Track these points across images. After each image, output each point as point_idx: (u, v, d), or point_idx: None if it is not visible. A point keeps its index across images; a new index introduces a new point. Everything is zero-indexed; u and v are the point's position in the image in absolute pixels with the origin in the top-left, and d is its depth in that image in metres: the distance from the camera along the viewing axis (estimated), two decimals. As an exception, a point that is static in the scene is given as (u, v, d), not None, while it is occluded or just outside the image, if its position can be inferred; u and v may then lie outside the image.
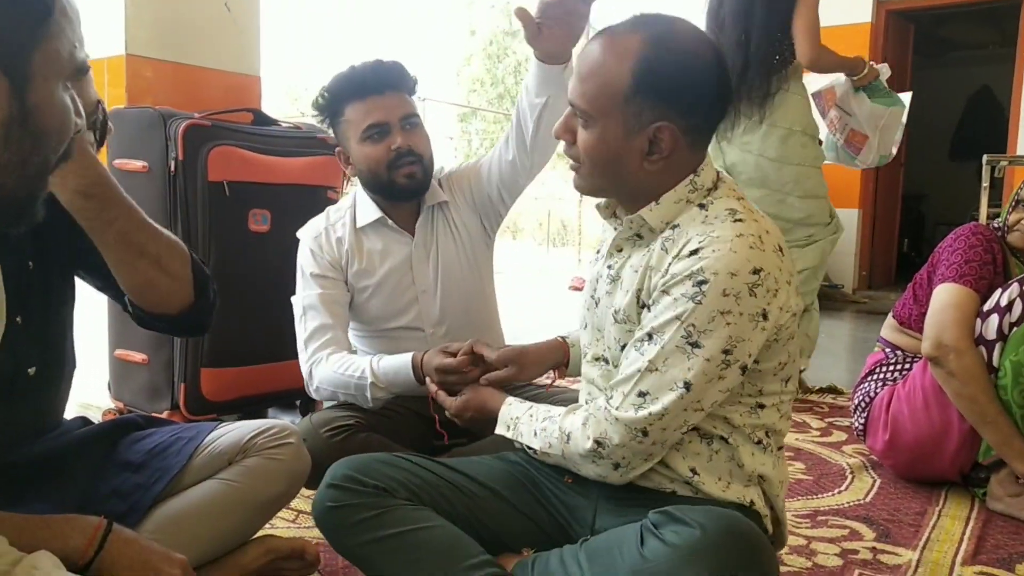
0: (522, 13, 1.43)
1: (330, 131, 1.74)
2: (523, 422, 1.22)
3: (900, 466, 1.95)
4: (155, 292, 1.16)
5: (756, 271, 1.02)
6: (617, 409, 1.07)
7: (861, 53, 5.42)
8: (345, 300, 1.69)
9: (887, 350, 2.07)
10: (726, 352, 1.03)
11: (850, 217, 5.62)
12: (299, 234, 1.74)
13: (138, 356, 2.16)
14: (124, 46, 2.33)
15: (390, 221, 1.69)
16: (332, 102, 1.64)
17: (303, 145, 2.31)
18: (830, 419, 2.53)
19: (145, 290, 1.16)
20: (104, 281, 1.20)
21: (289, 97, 24.81)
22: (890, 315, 2.11)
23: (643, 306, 1.11)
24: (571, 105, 1.11)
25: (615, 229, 1.18)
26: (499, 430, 1.26)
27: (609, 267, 1.19)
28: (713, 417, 1.10)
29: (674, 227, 1.09)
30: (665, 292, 1.05)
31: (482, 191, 1.73)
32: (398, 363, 1.53)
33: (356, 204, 1.72)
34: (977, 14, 5.57)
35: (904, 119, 2.81)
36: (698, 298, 1.02)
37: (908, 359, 2.00)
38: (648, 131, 1.06)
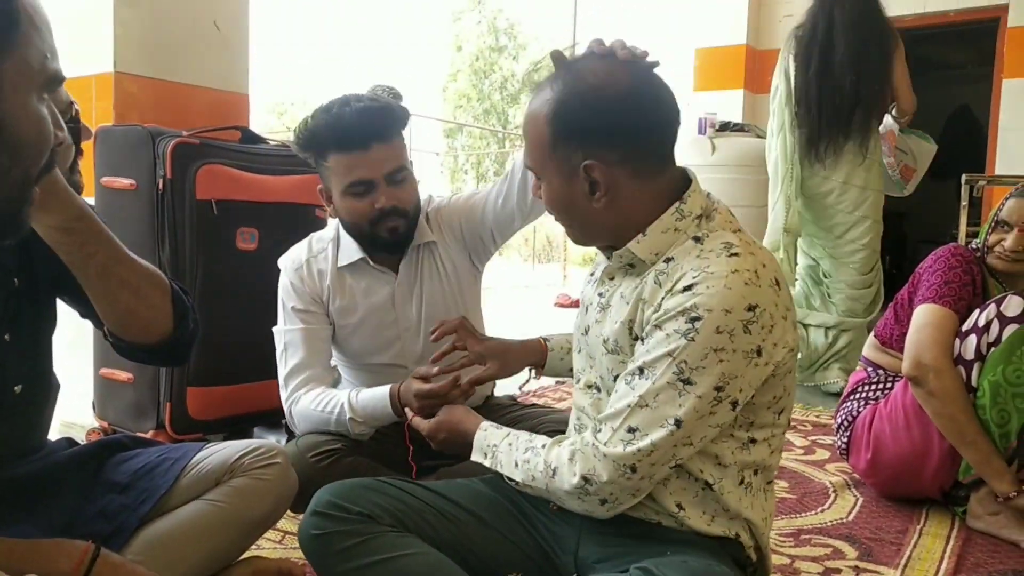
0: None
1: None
2: (502, 451, 1.19)
3: (882, 484, 1.97)
4: (135, 322, 1.16)
5: (751, 308, 1.01)
6: (605, 445, 1.05)
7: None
8: (327, 334, 1.67)
9: (869, 369, 2.10)
10: (718, 389, 1.02)
11: (833, 235, 5.68)
12: (280, 264, 1.71)
13: (123, 375, 2.15)
14: (112, 63, 2.33)
15: (371, 262, 1.66)
16: (315, 144, 1.56)
17: (290, 163, 2.32)
18: (813, 437, 2.56)
19: (125, 320, 1.16)
20: (86, 308, 1.19)
21: (275, 112, 24.83)
22: (871, 335, 2.13)
23: (636, 338, 1.10)
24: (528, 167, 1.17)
25: (607, 258, 1.19)
26: (475, 457, 1.23)
27: (600, 295, 1.20)
28: (703, 456, 1.09)
29: (668, 260, 1.09)
30: (658, 327, 1.04)
31: (474, 231, 1.70)
32: (376, 396, 1.52)
33: (339, 240, 1.68)
34: (955, 34, 5.66)
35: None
36: (691, 335, 1.01)
37: (890, 378, 2.03)
38: (579, 172, 1.08)
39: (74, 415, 2.32)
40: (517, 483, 1.16)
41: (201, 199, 2.07)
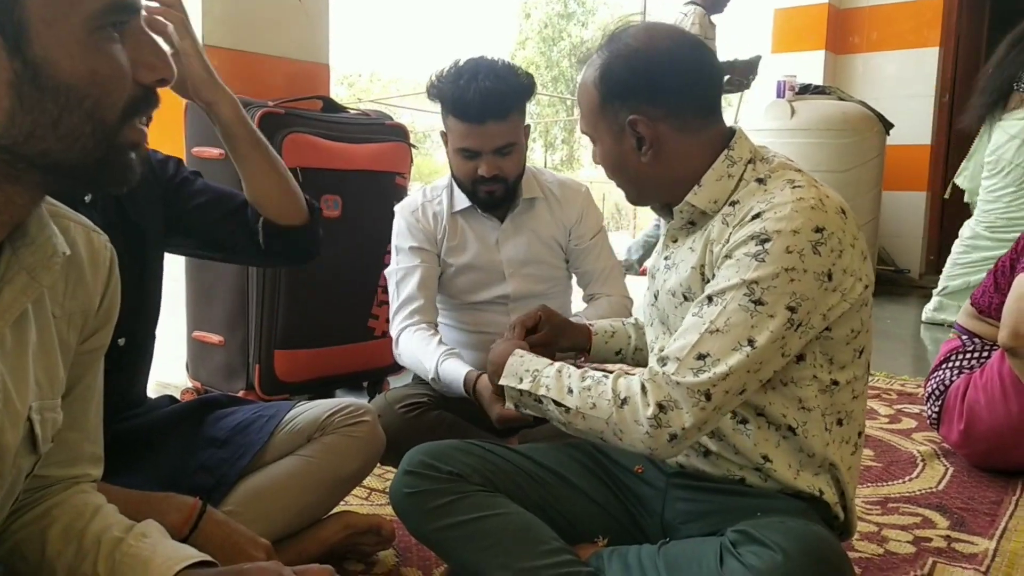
0: None
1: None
2: (548, 376, 1.13)
3: (975, 455, 1.91)
4: (288, 201, 1.36)
5: (818, 229, 1.02)
6: (675, 374, 1.02)
7: (933, 27, 5.32)
8: (436, 274, 1.77)
9: (964, 338, 2.03)
10: (791, 310, 1.01)
11: (917, 200, 5.48)
12: (396, 209, 1.83)
13: (215, 337, 2.24)
14: (201, 37, 2.39)
15: (480, 210, 1.78)
16: (439, 102, 1.68)
17: (371, 132, 2.36)
18: (899, 406, 2.49)
19: (278, 197, 1.35)
20: (200, 242, 1.38)
21: (344, 83, 25.14)
22: (967, 302, 2.06)
23: (707, 281, 1.11)
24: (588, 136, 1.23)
25: (667, 221, 1.21)
26: (505, 380, 1.17)
27: (666, 258, 1.22)
28: (786, 399, 1.10)
29: (733, 204, 1.11)
30: (728, 256, 1.06)
31: (570, 231, 1.84)
32: (455, 374, 1.56)
33: (452, 187, 1.80)
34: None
35: None
36: (761, 256, 1.02)
37: (986, 347, 1.95)
38: (626, 128, 1.13)
39: (169, 376, 2.42)
40: (568, 409, 1.09)
41: (288, 167, 2.12)
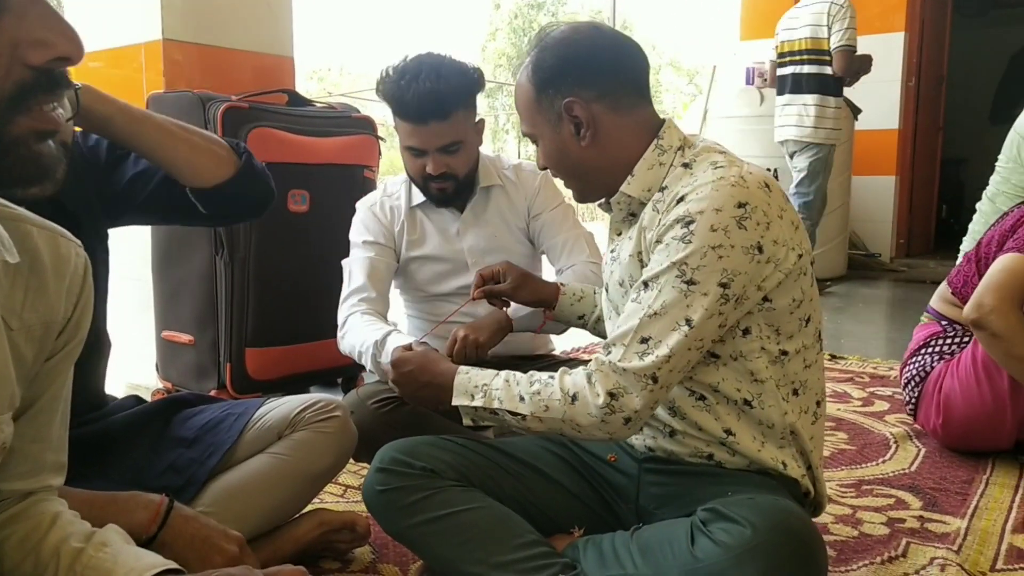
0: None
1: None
2: (497, 387, 1.13)
3: (951, 441, 1.91)
4: (196, 162, 1.28)
5: (741, 204, 1.04)
6: (621, 361, 1.06)
7: (897, 13, 5.35)
8: (391, 269, 1.76)
9: (943, 323, 2.01)
10: (723, 286, 1.04)
11: (887, 184, 5.54)
12: (357, 204, 1.82)
13: (184, 337, 2.20)
14: (160, 31, 2.35)
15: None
16: (383, 99, 1.66)
17: (338, 125, 2.33)
18: (871, 389, 2.51)
19: (185, 163, 1.27)
20: (149, 206, 1.32)
21: (314, 77, 24.89)
22: (943, 285, 2.05)
23: (644, 267, 1.13)
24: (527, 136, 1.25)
25: (610, 214, 1.25)
26: (457, 400, 1.16)
27: (611, 251, 1.25)
28: (738, 374, 1.11)
29: (662, 189, 1.14)
30: (658, 242, 1.09)
31: (528, 212, 1.82)
32: (401, 343, 1.48)
33: (411, 182, 1.78)
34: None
35: None
36: (687, 238, 1.05)
37: (967, 333, 1.92)
38: (563, 115, 1.16)
39: (139, 377, 2.38)
40: (524, 417, 1.11)
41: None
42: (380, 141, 2.41)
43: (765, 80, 5.07)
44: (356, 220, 1.79)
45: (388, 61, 1.67)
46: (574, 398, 1.07)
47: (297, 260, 2.19)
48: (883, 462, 1.88)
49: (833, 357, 2.91)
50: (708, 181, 1.07)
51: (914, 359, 2.01)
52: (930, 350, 1.98)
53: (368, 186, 2.34)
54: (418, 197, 1.76)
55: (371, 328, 1.58)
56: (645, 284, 1.08)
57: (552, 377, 1.12)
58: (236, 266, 2.09)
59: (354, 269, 1.73)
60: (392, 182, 1.83)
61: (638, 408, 1.04)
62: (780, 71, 4.28)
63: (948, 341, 1.97)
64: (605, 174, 1.18)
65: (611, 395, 1.05)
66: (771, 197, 1.08)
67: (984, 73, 6.93)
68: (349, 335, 1.63)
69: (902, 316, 3.89)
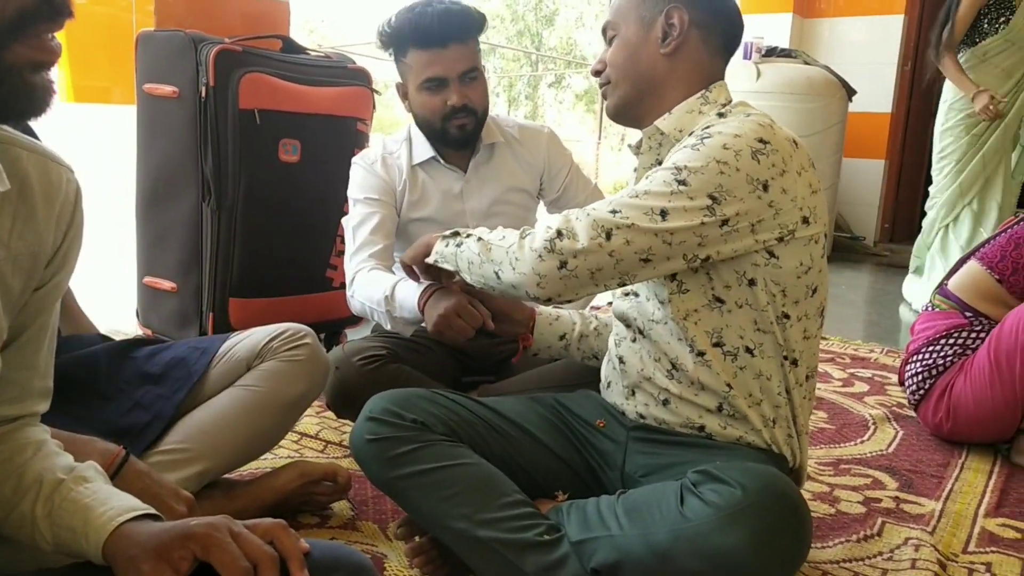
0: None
1: (392, 60, 1.73)
2: (476, 230, 1.22)
3: (953, 437, 1.89)
4: None
5: (763, 140, 1.05)
6: (588, 209, 1.08)
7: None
8: (394, 224, 1.73)
9: (968, 314, 1.89)
10: (712, 199, 1.04)
11: (875, 168, 5.54)
12: (354, 161, 1.77)
13: (167, 284, 2.17)
14: (153, -31, 2.28)
15: (442, 160, 1.73)
16: (396, 41, 1.64)
17: (333, 75, 2.27)
18: (852, 370, 2.53)
19: None
20: None
21: (305, 29, 24.44)
22: (979, 268, 1.90)
23: None
24: (603, 33, 1.25)
25: (637, 151, 1.25)
26: (433, 255, 1.24)
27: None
28: (743, 321, 1.12)
29: (691, 133, 1.14)
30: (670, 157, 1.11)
31: (541, 177, 1.83)
32: (411, 291, 1.47)
33: (411, 140, 1.75)
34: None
35: None
36: (697, 147, 1.05)
37: (989, 329, 1.84)
38: (660, 17, 1.18)
39: (119, 323, 2.35)
40: (481, 240, 1.17)
41: (244, 108, 2.04)
42: (375, 94, 2.36)
43: (763, 55, 5.04)
44: (355, 177, 1.74)
45: (380, 16, 1.66)
46: (529, 234, 1.10)
47: (286, 211, 2.15)
48: (861, 442, 1.90)
49: (815, 337, 2.93)
50: (736, 122, 1.09)
51: (929, 349, 1.91)
52: (951, 342, 1.88)
53: (361, 139, 2.30)
54: (420, 155, 1.73)
55: (379, 284, 1.55)
56: (647, 178, 1.09)
57: None
58: (223, 214, 2.05)
59: (356, 226, 1.69)
60: (391, 140, 1.79)
61: (577, 250, 1.04)
62: None
63: (973, 336, 1.86)
64: (659, 95, 1.20)
65: (559, 232, 1.06)
66: (796, 152, 1.09)
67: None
68: (358, 293, 1.60)
69: (883, 300, 3.93)
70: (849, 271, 4.75)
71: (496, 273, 1.13)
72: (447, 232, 1.25)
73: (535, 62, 24.06)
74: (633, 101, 1.23)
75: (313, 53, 2.36)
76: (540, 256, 1.06)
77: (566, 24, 22.94)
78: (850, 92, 5.02)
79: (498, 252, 1.13)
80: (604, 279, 1.07)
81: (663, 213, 1.03)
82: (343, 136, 2.24)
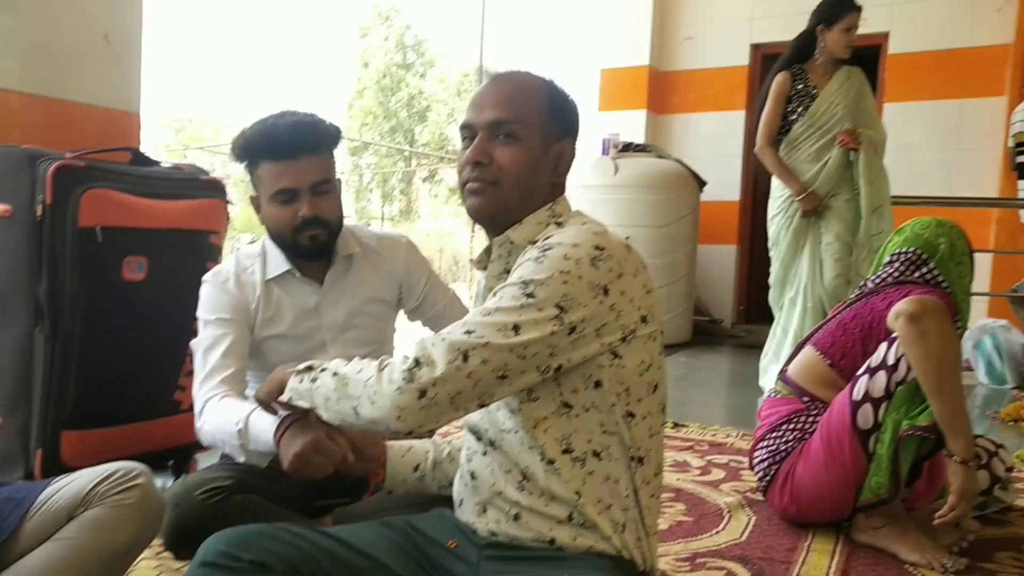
0: None
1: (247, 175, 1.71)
2: (331, 363, 1.19)
3: (799, 519, 1.98)
4: None
5: (599, 247, 1.11)
6: (440, 334, 1.09)
7: (739, 93, 5.78)
8: (247, 345, 1.67)
9: (805, 399, 2.00)
10: (560, 308, 1.07)
11: (728, 253, 5.90)
12: (205, 279, 1.72)
13: (-7, 416, 2.01)
14: (-9, 80, 2.21)
15: (298, 273, 1.71)
16: (248, 153, 1.64)
17: (184, 187, 2.24)
18: (710, 456, 2.63)
19: None
20: None
21: (173, 128, 23.97)
22: (812, 354, 2.02)
23: None
24: (489, 126, 1.21)
25: (484, 264, 1.28)
26: (288, 392, 1.20)
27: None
28: (590, 424, 1.13)
29: (533, 242, 1.19)
30: (516, 269, 1.15)
31: (405, 288, 1.83)
32: (266, 423, 1.40)
33: (266, 254, 1.72)
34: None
35: None
36: (540, 259, 1.10)
37: (823, 412, 1.94)
38: (556, 147, 1.23)
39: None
40: (336, 374, 1.14)
41: (84, 226, 1.97)
42: (229, 205, 2.34)
43: (619, 150, 5.33)
44: (205, 296, 1.69)
45: (253, 114, 1.67)
46: (387, 366, 1.09)
47: (130, 332, 2.06)
48: (716, 533, 1.96)
49: (676, 425, 3.03)
50: (572, 229, 1.15)
51: (773, 435, 2.00)
52: (791, 427, 1.97)
53: (215, 252, 2.26)
54: (274, 269, 1.70)
55: (232, 415, 1.47)
56: (493, 294, 1.11)
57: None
58: (59, 339, 1.93)
59: (206, 349, 1.62)
60: (244, 255, 1.76)
61: (437, 378, 1.04)
62: (1019, 159, 4.44)
63: (809, 419, 1.96)
64: (526, 208, 1.23)
65: (416, 361, 1.06)
66: (630, 255, 1.14)
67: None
68: (208, 424, 1.52)
69: (740, 381, 4.11)
70: (709, 354, 4.97)
71: (355, 409, 1.11)
72: (300, 366, 1.22)
73: (408, 157, 24.44)
74: (512, 210, 1.23)
75: (165, 165, 2.32)
76: (399, 389, 1.05)
77: (438, 120, 23.55)
78: (701, 183, 5.36)
79: (355, 387, 1.11)
80: (464, 403, 1.07)
81: (516, 328, 1.06)
82: (194, 250, 2.20)
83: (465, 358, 1.05)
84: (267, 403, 1.29)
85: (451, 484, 1.38)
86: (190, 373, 2.04)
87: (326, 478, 1.40)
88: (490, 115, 1.20)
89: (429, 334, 1.11)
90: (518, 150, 1.20)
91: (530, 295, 1.07)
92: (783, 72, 3.51)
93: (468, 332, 1.07)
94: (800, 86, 3.48)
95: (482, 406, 1.10)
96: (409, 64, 24.17)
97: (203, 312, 1.67)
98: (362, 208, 23.45)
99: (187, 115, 24.52)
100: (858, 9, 3.40)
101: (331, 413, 1.16)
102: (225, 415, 1.48)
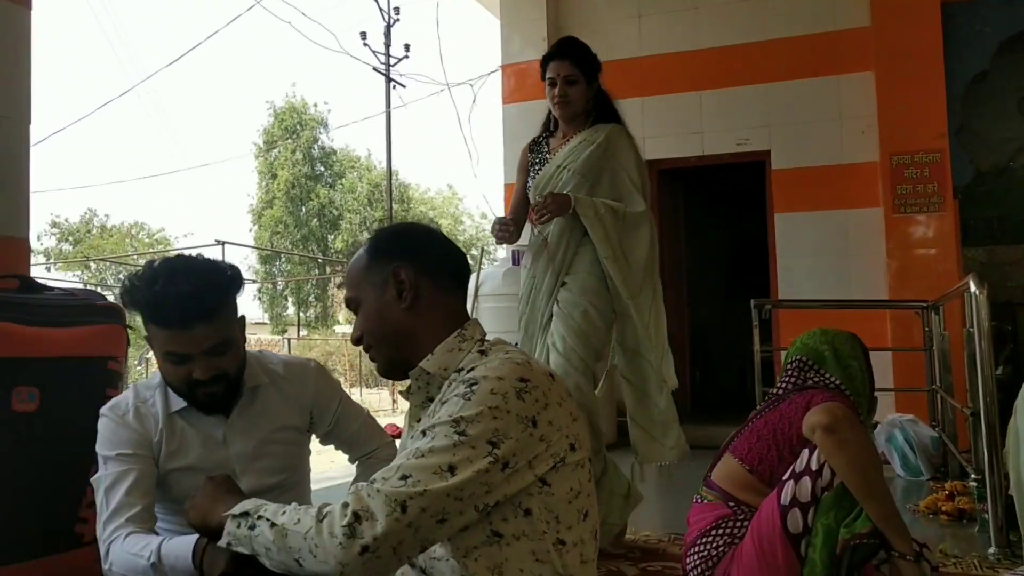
0: None
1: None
2: (267, 509, 1.17)
3: None
4: None
5: (523, 379, 1.14)
6: (375, 483, 1.08)
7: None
8: (152, 479, 1.58)
9: (731, 504, 2.00)
10: (493, 444, 1.08)
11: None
12: (103, 412, 1.63)
13: None
14: None
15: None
16: (134, 307, 1.56)
17: (79, 313, 2.12)
18: (643, 564, 2.56)
19: None
20: None
21: (70, 240, 23.24)
22: (731, 462, 2.04)
23: None
24: (347, 306, 1.35)
25: (408, 397, 1.29)
26: (226, 537, 1.18)
27: (411, 438, 1.23)
28: (522, 553, 1.11)
29: (459, 370, 1.22)
30: (443, 403, 1.16)
31: (310, 412, 1.77)
32: (183, 545, 1.38)
33: (167, 386, 1.64)
34: (735, 171, 6.21)
35: None
36: (468, 396, 1.12)
37: (752, 515, 1.94)
38: (390, 278, 1.28)
39: None
40: (275, 526, 1.12)
41: (-32, 358, 1.83)
42: (128, 330, 2.22)
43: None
44: (104, 431, 1.60)
45: (159, 220, 1.60)
46: (325, 516, 1.08)
47: (21, 465, 1.90)
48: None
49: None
50: (498, 361, 1.18)
51: (703, 540, 1.98)
52: (721, 532, 1.96)
53: (113, 379, 2.13)
54: (177, 403, 1.62)
55: (141, 550, 1.40)
56: (423, 433, 1.11)
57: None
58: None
59: (109, 488, 1.53)
60: (143, 386, 1.68)
61: (378, 534, 1.03)
62: None
63: (738, 524, 1.95)
64: (415, 345, 1.26)
65: (356, 515, 1.05)
66: (553, 384, 1.17)
67: (719, 256, 7.88)
68: (117, 565, 1.44)
69: (667, 485, 4.07)
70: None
71: (297, 561, 1.08)
72: (236, 510, 1.19)
73: (322, 265, 24.30)
74: (396, 358, 1.30)
75: (57, 291, 2.19)
76: (340, 544, 1.04)
77: (351, 227, 23.64)
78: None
79: (295, 539, 1.09)
80: (406, 551, 1.06)
81: (451, 468, 1.06)
82: (91, 377, 2.06)
83: (404, 509, 1.04)
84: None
85: None
86: (91, 504, 1.89)
87: None
88: (345, 300, 1.36)
89: (364, 483, 1.10)
90: (363, 314, 1.31)
91: (462, 433, 1.08)
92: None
93: (404, 478, 1.07)
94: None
95: (424, 550, 1.10)
96: (318, 175, 24.36)
97: (102, 448, 1.58)
98: (277, 315, 23.03)
99: (65, 212, 23.92)
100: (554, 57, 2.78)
101: (272, 563, 1.13)
102: (134, 552, 1.42)
